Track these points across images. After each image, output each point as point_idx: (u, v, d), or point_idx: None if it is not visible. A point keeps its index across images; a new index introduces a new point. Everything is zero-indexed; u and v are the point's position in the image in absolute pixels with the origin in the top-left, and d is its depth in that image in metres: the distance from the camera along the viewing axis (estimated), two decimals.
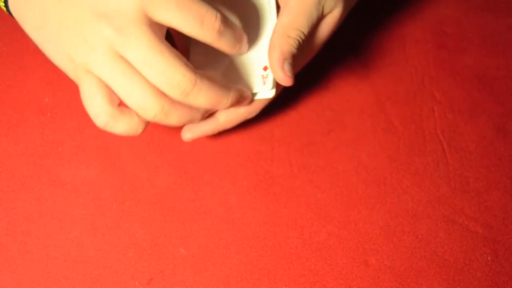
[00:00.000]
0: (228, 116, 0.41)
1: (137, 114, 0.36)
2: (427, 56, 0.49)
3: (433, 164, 0.45)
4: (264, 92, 0.39)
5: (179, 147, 0.45)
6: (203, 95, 0.35)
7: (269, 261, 0.42)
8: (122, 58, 0.34)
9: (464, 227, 0.43)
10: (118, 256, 0.42)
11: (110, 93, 0.35)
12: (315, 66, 0.44)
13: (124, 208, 0.43)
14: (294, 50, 0.38)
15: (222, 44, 0.36)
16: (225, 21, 0.36)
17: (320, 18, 0.39)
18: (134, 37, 0.33)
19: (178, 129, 0.45)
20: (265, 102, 0.41)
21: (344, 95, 0.48)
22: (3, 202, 0.43)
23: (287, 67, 0.37)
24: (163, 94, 0.34)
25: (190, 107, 0.36)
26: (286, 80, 0.37)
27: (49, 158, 0.44)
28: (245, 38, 0.38)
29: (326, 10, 0.39)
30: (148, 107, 0.34)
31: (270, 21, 0.40)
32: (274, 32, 0.38)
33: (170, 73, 0.34)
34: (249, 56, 0.39)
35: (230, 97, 0.37)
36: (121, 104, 0.35)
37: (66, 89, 0.46)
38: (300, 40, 0.38)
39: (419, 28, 0.50)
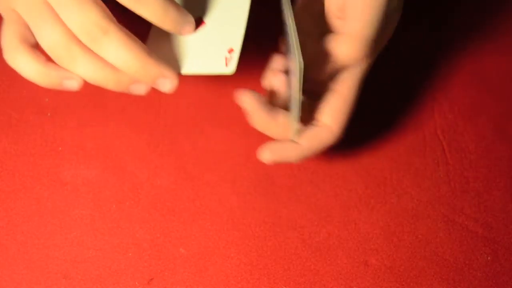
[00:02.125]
0: (310, 141, 0.39)
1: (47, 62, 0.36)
2: (427, 56, 0.49)
3: (433, 164, 0.45)
4: (221, 69, 0.37)
5: (179, 147, 0.45)
6: (113, 47, 0.34)
7: (269, 261, 0.42)
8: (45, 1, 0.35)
9: (464, 227, 0.43)
10: (118, 256, 0.42)
11: (25, 31, 0.36)
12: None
13: (124, 208, 0.43)
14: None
15: (144, 12, 0.35)
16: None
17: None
18: None
19: (178, 129, 0.45)
20: (343, 125, 0.40)
21: None
22: (3, 202, 0.43)
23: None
24: (74, 38, 0.34)
25: (101, 61, 0.35)
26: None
27: (49, 158, 0.44)
28: (190, 20, 0.37)
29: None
30: (56, 46, 0.34)
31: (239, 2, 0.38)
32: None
33: (83, 17, 0.34)
34: (215, 34, 0.38)
35: (147, 65, 0.35)
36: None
37: None
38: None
39: (419, 28, 0.50)
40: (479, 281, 0.42)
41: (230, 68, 0.36)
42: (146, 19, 0.35)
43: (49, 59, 0.36)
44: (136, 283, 0.41)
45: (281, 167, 0.45)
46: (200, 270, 0.41)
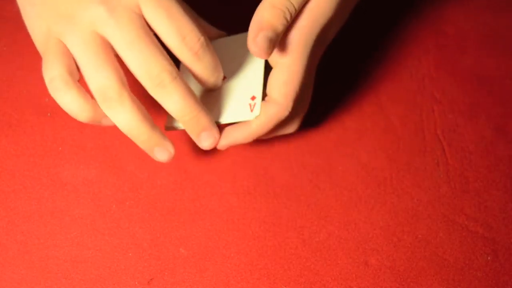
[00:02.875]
0: (259, 118, 0.39)
1: (89, 102, 0.36)
2: (427, 56, 0.49)
3: (433, 164, 0.45)
4: (248, 116, 0.39)
5: (179, 147, 0.45)
6: (178, 95, 0.35)
7: (269, 261, 0.42)
8: (100, 39, 0.35)
9: (464, 227, 0.43)
10: (118, 256, 0.42)
11: (72, 65, 0.36)
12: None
13: (124, 208, 0.43)
14: (277, 23, 0.35)
15: (197, 68, 0.37)
16: (206, 46, 0.36)
17: None
18: (126, 21, 0.34)
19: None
20: (293, 97, 0.39)
21: (344, 96, 0.48)
22: (3, 202, 0.43)
23: (260, 39, 0.35)
24: (121, 85, 0.35)
25: (142, 114, 0.36)
26: (257, 52, 0.35)
27: (49, 158, 0.44)
28: (221, 73, 0.38)
29: None
30: (107, 90, 0.35)
31: (258, 62, 0.40)
32: (260, 4, 0.36)
33: (153, 62, 0.34)
34: (237, 86, 0.40)
35: (200, 114, 0.37)
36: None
37: None
38: (287, 12, 0.35)
39: (419, 28, 0.50)
40: (479, 281, 0.42)
41: (255, 113, 0.39)
42: (194, 75, 0.38)
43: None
44: (136, 283, 0.41)
45: (281, 167, 0.45)
46: (200, 270, 0.41)
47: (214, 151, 0.45)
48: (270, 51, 0.35)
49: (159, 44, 0.35)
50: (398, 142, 0.46)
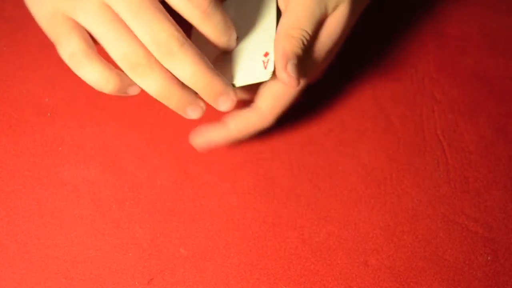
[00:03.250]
0: (238, 123, 0.40)
1: (113, 69, 0.35)
2: (427, 56, 0.49)
3: (433, 164, 0.45)
4: (263, 75, 0.38)
5: (179, 147, 0.45)
6: (188, 61, 0.35)
7: (269, 261, 0.42)
8: (109, 8, 0.34)
9: (464, 227, 0.43)
10: (118, 256, 0.42)
11: (88, 38, 0.35)
12: None
13: (124, 208, 0.43)
14: (299, 51, 0.37)
15: (208, 28, 0.36)
16: (214, 3, 0.35)
17: (324, 15, 0.38)
18: None
19: (178, 129, 0.45)
20: (278, 113, 0.40)
21: (344, 95, 0.48)
22: (3, 202, 0.43)
23: (290, 67, 0.36)
24: (146, 49, 0.35)
25: (171, 76, 0.35)
26: (290, 82, 0.36)
27: (49, 158, 0.44)
28: (233, 31, 0.38)
29: (330, 7, 0.38)
30: (131, 57, 0.34)
31: (270, 8, 0.40)
32: (277, 34, 0.38)
33: (159, 29, 0.34)
34: (249, 45, 0.39)
35: (214, 79, 0.36)
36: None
37: (66, 89, 0.46)
38: (304, 40, 0.37)
39: (419, 28, 0.50)
40: (479, 281, 0.42)
41: (269, 69, 0.38)
42: (206, 35, 0.37)
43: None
44: (136, 283, 0.41)
45: (281, 167, 0.45)
46: (200, 270, 0.41)
47: (214, 151, 0.45)
48: (299, 76, 0.37)
49: (165, 11, 0.35)
50: (398, 142, 0.46)
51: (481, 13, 0.51)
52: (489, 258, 0.42)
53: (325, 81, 0.47)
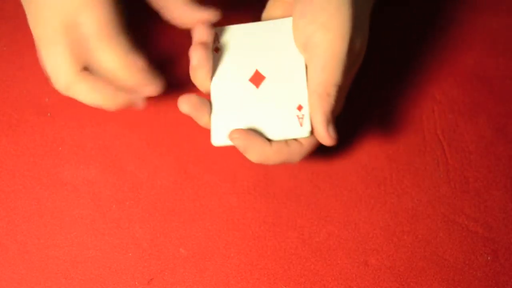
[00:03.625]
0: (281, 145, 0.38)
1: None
2: (427, 56, 0.49)
3: (433, 164, 0.45)
4: (300, 132, 0.37)
5: (179, 147, 0.45)
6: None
7: (269, 261, 0.42)
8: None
9: (464, 227, 0.43)
10: (118, 256, 0.42)
11: (77, 51, 0.36)
12: None
13: (124, 208, 0.43)
14: (334, 106, 0.37)
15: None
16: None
17: (352, 64, 0.38)
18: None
19: (178, 129, 0.45)
20: (306, 156, 0.39)
21: None
22: (3, 202, 0.43)
23: (331, 129, 0.37)
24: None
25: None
26: (331, 142, 0.37)
27: (49, 158, 0.44)
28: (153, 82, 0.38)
29: (356, 55, 0.37)
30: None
31: (293, 50, 0.39)
32: (311, 91, 0.37)
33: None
34: (279, 94, 0.38)
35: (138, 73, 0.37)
36: None
37: None
38: (337, 93, 0.37)
39: (419, 28, 0.50)
40: (479, 281, 0.42)
41: (305, 128, 0.37)
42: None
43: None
44: (136, 283, 0.41)
45: (281, 167, 0.45)
46: (200, 270, 0.41)
47: (214, 151, 0.45)
48: (337, 135, 0.37)
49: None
50: (398, 142, 0.46)
51: (481, 13, 0.51)
52: (489, 258, 0.42)
53: None
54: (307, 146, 0.38)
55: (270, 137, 0.38)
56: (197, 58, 0.37)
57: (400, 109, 0.47)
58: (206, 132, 0.45)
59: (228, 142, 0.38)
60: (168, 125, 0.45)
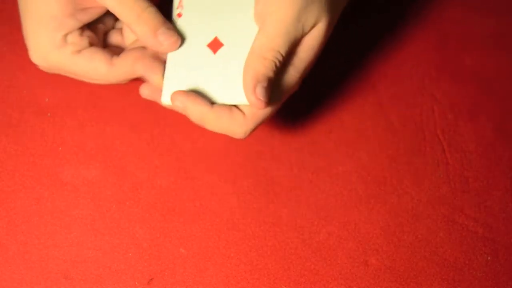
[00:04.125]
0: (218, 119, 0.38)
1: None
2: (427, 56, 0.49)
3: (433, 164, 0.45)
4: (244, 99, 0.37)
5: (179, 147, 0.45)
6: None
7: (269, 261, 0.42)
8: None
9: (464, 227, 0.43)
10: (118, 256, 0.42)
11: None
12: (315, 67, 0.44)
13: (124, 208, 0.43)
14: (270, 73, 0.36)
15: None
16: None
17: (301, 36, 0.37)
18: None
19: (178, 129, 0.45)
20: (252, 129, 0.38)
21: (344, 96, 0.48)
22: (3, 202, 0.43)
23: (259, 90, 0.35)
24: None
25: None
26: (258, 104, 0.35)
27: (49, 158, 0.44)
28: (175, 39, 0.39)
29: (307, 27, 0.36)
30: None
31: (254, 28, 0.38)
32: (249, 53, 0.36)
33: None
34: (233, 64, 0.38)
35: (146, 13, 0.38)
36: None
37: (66, 89, 0.46)
38: (277, 62, 0.36)
39: (419, 28, 0.50)
40: (479, 281, 0.42)
41: None
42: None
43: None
44: (136, 283, 0.41)
45: (281, 167, 0.45)
46: (200, 270, 0.41)
47: (214, 151, 0.45)
48: (267, 99, 0.36)
49: None
50: (398, 142, 0.46)
51: (481, 13, 0.51)
52: (489, 258, 0.42)
53: (325, 81, 0.47)
54: (250, 118, 0.37)
55: (214, 100, 0.37)
56: (146, 89, 0.40)
57: (400, 109, 0.47)
58: (206, 132, 0.45)
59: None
60: (168, 125, 0.45)
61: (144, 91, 0.40)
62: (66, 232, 0.42)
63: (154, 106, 0.46)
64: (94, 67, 0.39)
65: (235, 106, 0.37)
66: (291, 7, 0.35)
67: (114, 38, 0.43)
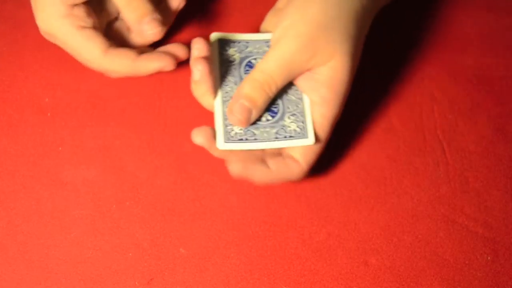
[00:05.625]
0: (279, 168, 0.39)
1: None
2: (427, 56, 0.49)
3: (433, 164, 0.45)
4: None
5: (179, 147, 0.45)
6: None
7: (269, 261, 0.42)
8: None
9: (464, 227, 0.43)
10: (118, 256, 0.42)
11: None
12: None
13: (124, 208, 0.43)
14: (257, 97, 0.37)
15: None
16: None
17: (306, 68, 0.38)
18: None
19: (178, 129, 0.45)
20: (311, 166, 0.39)
21: None
22: (3, 202, 0.43)
23: (237, 107, 0.37)
24: None
25: None
26: (235, 119, 0.37)
27: (49, 158, 0.44)
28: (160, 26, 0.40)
29: (317, 60, 0.38)
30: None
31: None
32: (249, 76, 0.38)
33: None
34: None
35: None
36: None
37: (66, 89, 0.46)
38: (267, 89, 0.37)
39: (419, 28, 0.50)
40: (479, 281, 0.42)
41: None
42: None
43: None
44: (136, 283, 0.41)
45: None
46: (200, 270, 0.41)
47: None
48: (246, 120, 0.37)
49: None
50: (398, 142, 0.46)
51: (481, 13, 0.51)
52: (489, 258, 0.42)
53: None
54: (304, 163, 0.39)
55: (274, 145, 0.39)
56: (199, 73, 0.38)
57: (400, 109, 0.47)
58: None
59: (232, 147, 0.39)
60: (168, 125, 0.45)
61: (198, 138, 0.39)
62: (66, 232, 0.42)
63: (154, 106, 0.46)
64: (90, 46, 0.41)
65: (284, 150, 0.39)
66: (294, 40, 0.37)
67: (116, 29, 0.44)
